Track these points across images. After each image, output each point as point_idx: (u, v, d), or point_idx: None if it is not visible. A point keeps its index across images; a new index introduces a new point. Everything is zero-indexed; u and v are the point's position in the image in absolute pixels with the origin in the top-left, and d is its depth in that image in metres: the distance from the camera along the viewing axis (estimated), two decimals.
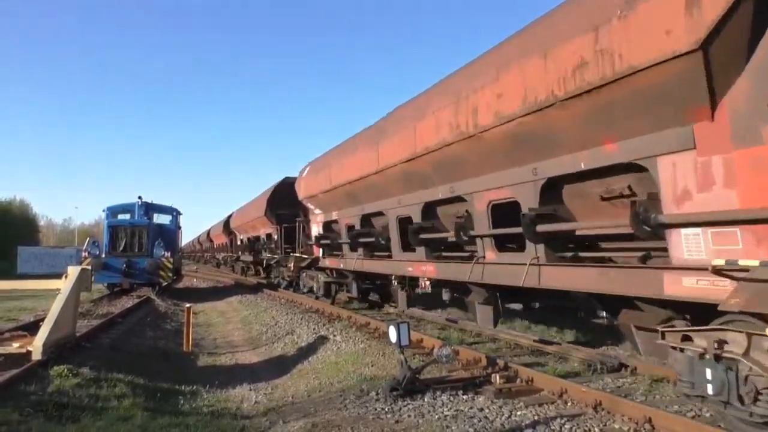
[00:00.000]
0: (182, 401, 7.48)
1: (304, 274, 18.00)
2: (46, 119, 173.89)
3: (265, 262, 23.19)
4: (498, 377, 7.02)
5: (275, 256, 21.18)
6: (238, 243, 32.33)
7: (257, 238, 25.98)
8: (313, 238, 15.40)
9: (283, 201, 20.61)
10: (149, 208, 23.91)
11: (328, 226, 14.96)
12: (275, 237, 21.17)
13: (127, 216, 23.26)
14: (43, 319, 9.31)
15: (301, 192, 16.06)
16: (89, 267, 10.77)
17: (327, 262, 14.92)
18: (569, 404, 6.26)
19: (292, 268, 17.80)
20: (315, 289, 16.76)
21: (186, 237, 76.76)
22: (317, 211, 15.43)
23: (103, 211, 24.01)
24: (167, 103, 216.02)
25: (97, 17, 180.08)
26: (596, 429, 5.47)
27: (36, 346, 7.97)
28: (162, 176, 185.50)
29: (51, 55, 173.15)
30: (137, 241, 21.38)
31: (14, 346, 8.66)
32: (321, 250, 15.08)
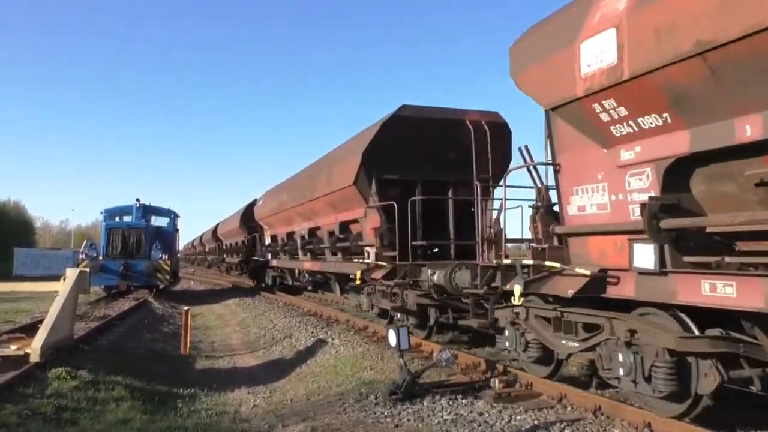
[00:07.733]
0: (180, 404, 7.45)
1: (524, 313, 7.23)
2: (43, 119, 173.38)
3: (359, 272, 11.63)
4: (497, 381, 7.01)
5: (382, 264, 11.12)
6: (267, 242, 22.88)
7: (314, 232, 16.01)
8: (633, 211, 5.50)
9: (398, 160, 11.17)
10: (147, 211, 23.89)
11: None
12: (375, 227, 11.26)
13: (125, 218, 23.27)
14: (40, 321, 9.29)
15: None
16: (87, 269, 10.77)
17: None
18: (569, 409, 6.27)
19: (516, 295, 6.71)
20: (627, 375, 5.56)
21: (183, 239, 76.38)
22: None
23: (101, 213, 24.07)
24: (166, 103, 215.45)
25: (95, 16, 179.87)
26: None
27: (34, 348, 7.95)
28: (160, 178, 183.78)
29: (49, 54, 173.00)
30: (135, 244, 21.37)
31: (12, 348, 8.65)
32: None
